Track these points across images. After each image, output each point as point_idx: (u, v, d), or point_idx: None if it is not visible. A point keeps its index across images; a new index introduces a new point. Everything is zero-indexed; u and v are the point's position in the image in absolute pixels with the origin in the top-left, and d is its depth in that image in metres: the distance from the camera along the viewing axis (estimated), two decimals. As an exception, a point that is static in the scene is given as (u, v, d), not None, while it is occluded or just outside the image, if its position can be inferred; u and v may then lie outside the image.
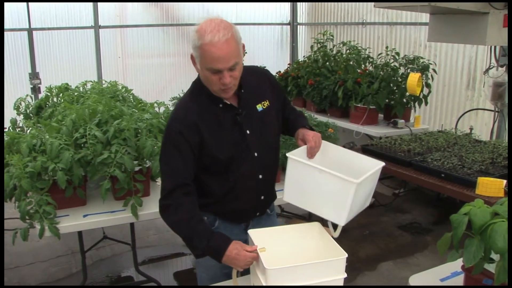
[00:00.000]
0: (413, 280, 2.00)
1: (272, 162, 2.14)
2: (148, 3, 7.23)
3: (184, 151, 1.88)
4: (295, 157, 1.85)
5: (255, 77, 2.06)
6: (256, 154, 2.00)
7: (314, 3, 8.01)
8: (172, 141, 1.90)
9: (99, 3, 6.73)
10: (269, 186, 2.18)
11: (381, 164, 1.93)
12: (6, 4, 6.11)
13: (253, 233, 1.87)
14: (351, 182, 1.69)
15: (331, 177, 1.74)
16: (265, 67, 7.24)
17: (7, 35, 6.26)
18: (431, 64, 4.86)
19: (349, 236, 4.47)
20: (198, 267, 2.27)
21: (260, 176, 2.04)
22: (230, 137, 1.95)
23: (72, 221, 2.62)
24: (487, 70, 4.30)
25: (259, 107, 2.02)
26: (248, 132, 1.97)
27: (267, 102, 2.05)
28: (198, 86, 1.95)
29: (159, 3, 7.29)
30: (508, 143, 3.77)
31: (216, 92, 1.88)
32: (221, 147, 1.93)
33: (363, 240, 4.44)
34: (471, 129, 4.44)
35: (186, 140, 1.87)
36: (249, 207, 2.11)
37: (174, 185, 1.89)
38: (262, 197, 2.12)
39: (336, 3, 7.44)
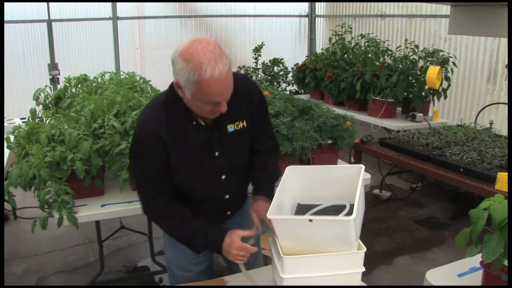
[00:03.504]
0: (430, 275, 1.98)
1: (240, 182, 2.05)
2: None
3: (155, 161, 1.79)
4: (279, 216, 1.73)
5: (238, 90, 1.81)
6: (223, 177, 1.92)
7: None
8: (141, 151, 1.80)
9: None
10: (236, 202, 2.13)
11: (362, 167, 1.87)
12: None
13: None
14: (347, 220, 1.58)
15: (325, 222, 1.64)
16: (282, 59, 7.27)
17: (26, 27, 6.34)
18: (451, 57, 4.79)
19: (366, 229, 4.42)
20: (169, 264, 2.22)
21: (227, 196, 1.99)
22: (197, 157, 1.83)
23: (90, 211, 2.64)
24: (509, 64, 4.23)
25: (230, 127, 1.85)
26: (216, 154, 1.86)
27: (243, 123, 1.89)
28: (174, 96, 1.76)
29: (177, -5, 7.30)
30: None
31: (203, 115, 1.75)
32: (186, 166, 1.83)
33: (379, 234, 4.42)
34: (491, 123, 4.38)
35: (155, 151, 1.77)
36: (214, 222, 2.00)
37: (151, 195, 1.86)
38: (229, 212, 2.09)
39: (355, -5, 7.37)
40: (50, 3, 6.32)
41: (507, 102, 4.77)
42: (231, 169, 1.93)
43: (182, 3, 7.34)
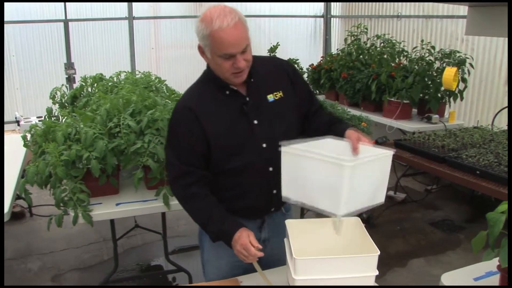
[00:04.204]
0: (445, 278, 1.96)
1: None
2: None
3: (185, 140, 1.89)
4: (287, 148, 1.72)
5: (270, 67, 2.01)
6: (264, 145, 1.93)
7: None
8: (173, 129, 1.95)
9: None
10: None
11: (389, 152, 1.74)
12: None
13: (289, 223, 1.86)
14: (344, 166, 1.53)
15: (322, 163, 1.59)
16: (297, 59, 7.26)
17: (44, 26, 6.40)
18: (468, 58, 4.74)
19: (380, 231, 4.42)
20: (207, 266, 2.24)
21: (271, 169, 1.96)
22: (234, 126, 1.90)
23: (104, 209, 2.66)
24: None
25: (270, 97, 1.95)
26: (255, 122, 1.91)
27: (280, 93, 1.98)
28: (206, 75, 1.95)
29: (193, -5, 7.32)
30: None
31: (228, 79, 1.85)
32: (224, 136, 1.89)
33: (394, 236, 4.39)
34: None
35: (186, 125, 1.88)
36: (260, 202, 2.03)
37: (176, 175, 1.94)
38: (275, 191, 2.01)
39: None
40: (67, 3, 6.38)
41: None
42: (272, 138, 1.91)
43: (197, 3, 7.36)
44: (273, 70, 2.01)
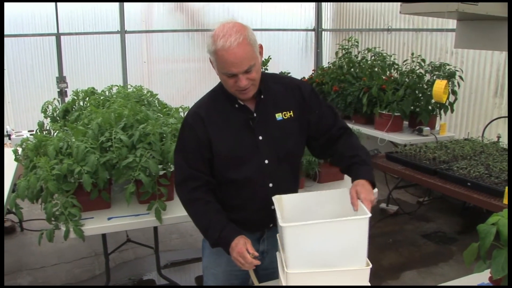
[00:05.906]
0: (438, 290, 1.96)
1: (287, 172, 2.04)
2: (173, 8, 7.30)
3: (192, 144, 1.94)
4: (283, 198, 1.87)
5: (283, 86, 2.02)
6: (267, 161, 1.95)
7: (339, 9, 7.98)
8: (182, 134, 2.00)
9: (125, 9, 6.81)
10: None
11: (363, 217, 1.64)
12: (36, 9, 6.28)
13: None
14: (280, 224, 1.60)
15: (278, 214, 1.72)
16: (289, 73, 7.27)
17: (36, 40, 6.40)
18: (457, 71, 4.79)
19: (372, 244, 4.39)
20: (205, 272, 2.25)
21: (271, 185, 1.98)
22: (239, 139, 1.94)
23: (96, 224, 2.64)
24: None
25: (279, 116, 1.97)
26: (260, 138, 1.94)
27: (290, 113, 1.99)
28: (220, 85, 1.98)
29: (184, 9, 7.35)
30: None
31: (234, 94, 1.89)
32: (227, 146, 1.93)
33: (386, 248, 4.39)
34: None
35: (195, 134, 1.92)
36: (259, 216, 2.04)
37: (182, 178, 1.98)
38: (274, 207, 1.98)
39: (361, 8, 7.40)
40: (59, 16, 6.39)
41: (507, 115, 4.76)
42: (275, 155, 1.96)
43: (189, 16, 7.40)
44: (286, 89, 2.02)
